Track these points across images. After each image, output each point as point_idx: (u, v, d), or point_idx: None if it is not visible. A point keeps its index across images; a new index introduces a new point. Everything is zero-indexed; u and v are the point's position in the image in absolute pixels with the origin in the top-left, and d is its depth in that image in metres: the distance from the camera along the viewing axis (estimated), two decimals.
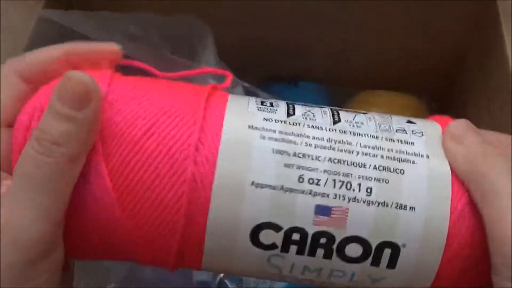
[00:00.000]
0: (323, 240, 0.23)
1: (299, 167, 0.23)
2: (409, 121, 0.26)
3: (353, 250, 0.23)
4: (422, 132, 0.25)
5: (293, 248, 0.23)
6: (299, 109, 0.25)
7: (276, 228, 0.23)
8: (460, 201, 0.23)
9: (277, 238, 0.23)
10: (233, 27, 0.48)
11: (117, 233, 0.23)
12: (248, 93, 0.45)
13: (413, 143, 0.24)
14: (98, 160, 0.23)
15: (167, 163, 0.23)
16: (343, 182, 0.23)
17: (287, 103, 0.25)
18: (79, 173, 0.22)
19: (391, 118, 0.26)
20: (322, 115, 0.25)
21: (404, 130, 0.25)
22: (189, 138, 0.23)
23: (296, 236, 0.23)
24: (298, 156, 0.23)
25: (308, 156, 0.23)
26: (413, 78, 0.51)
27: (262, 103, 0.25)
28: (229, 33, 0.49)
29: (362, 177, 0.23)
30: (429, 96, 0.52)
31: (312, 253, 0.23)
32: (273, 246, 0.23)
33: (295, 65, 0.51)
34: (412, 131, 0.25)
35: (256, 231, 0.23)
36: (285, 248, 0.23)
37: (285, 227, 0.23)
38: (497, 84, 0.41)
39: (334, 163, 0.23)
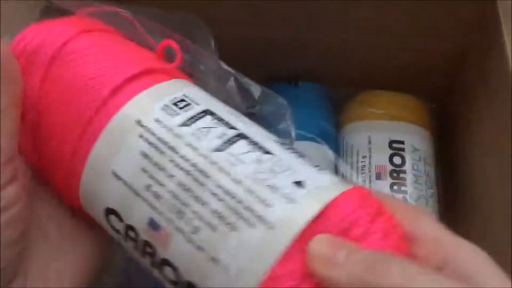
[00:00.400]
0: (148, 250, 0.24)
1: (151, 177, 0.23)
2: (298, 183, 0.23)
3: (169, 273, 0.23)
4: (294, 200, 0.22)
5: (130, 243, 0.25)
6: (204, 122, 0.25)
7: (120, 218, 0.25)
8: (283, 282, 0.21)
9: (120, 227, 0.25)
10: (233, 27, 0.48)
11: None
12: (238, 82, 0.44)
13: (270, 206, 0.22)
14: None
15: (66, 126, 0.25)
16: (179, 209, 0.23)
17: (204, 110, 0.25)
18: (18, 115, 0.25)
19: (286, 171, 0.23)
20: (216, 137, 0.24)
21: (277, 189, 0.22)
22: (89, 109, 0.25)
23: (132, 234, 0.24)
24: (157, 167, 0.24)
25: (165, 171, 0.23)
26: (413, 78, 0.51)
27: (178, 102, 0.25)
28: (228, 33, 0.49)
29: (197, 214, 0.22)
30: (429, 96, 0.52)
31: (142, 256, 0.24)
32: (118, 232, 0.25)
33: (295, 65, 0.51)
34: (285, 194, 0.22)
35: (107, 212, 0.25)
36: (125, 239, 0.25)
37: (125, 222, 0.24)
38: (497, 84, 0.41)
39: (181, 188, 0.23)
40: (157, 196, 0.23)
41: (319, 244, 0.21)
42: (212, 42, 0.43)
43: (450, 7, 0.45)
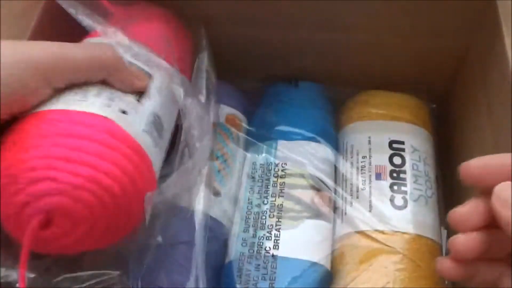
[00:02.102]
0: None
1: None
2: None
3: None
4: None
5: None
6: None
7: None
8: None
9: None
10: (233, 26, 0.48)
11: None
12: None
13: None
14: None
15: None
16: None
17: None
18: None
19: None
20: None
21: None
22: None
23: None
24: None
25: None
26: (413, 78, 0.51)
27: None
28: (229, 32, 0.49)
29: None
30: (429, 96, 0.52)
31: None
32: None
33: (295, 65, 0.51)
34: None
35: None
36: None
37: None
38: (497, 84, 0.41)
39: None
40: None
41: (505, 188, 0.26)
42: (204, 40, 0.44)
43: (450, 7, 0.45)
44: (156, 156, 0.35)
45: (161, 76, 0.38)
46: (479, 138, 0.45)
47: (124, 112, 0.34)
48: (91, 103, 0.33)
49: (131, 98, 0.35)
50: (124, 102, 0.34)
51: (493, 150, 0.41)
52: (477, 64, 0.46)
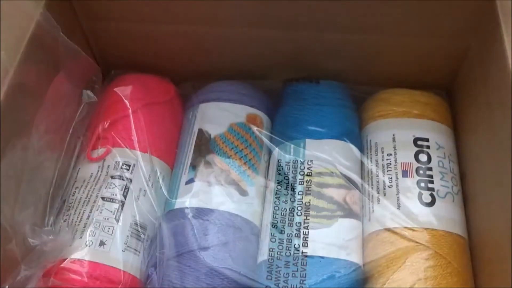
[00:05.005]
0: None
1: None
2: None
3: None
4: None
5: None
6: None
7: None
8: None
9: None
10: (248, 28, 0.48)
11: None
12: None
13: None
14: None
15: None
16: None
17: None
18: None
19: None
20: None
21: None
22: None
23: None
24: None
25: None
26: (412, 78, 0.51)
27: None
28: (240, 33, 0.48)
29: None
30: None
31: None
32: None
33: (315, 65, 0.51)
34: None
35: None
36: None
37: None
38: (497, 84, 0.41)
39: None
40: None
41: None
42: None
43: (450, 7, 0.45)
44: (141, 259, 0.41)
45: (138, 178, 0.43)
46: (479, 138, 0.45)
47: (102, 243, 0.39)
48: (74, 247, 0.39)
49: (112, 223, 0.40)
50: (103, 232, 0.40)
51: (493, 150, 0.41)
52: (477, 64, 0.46)
